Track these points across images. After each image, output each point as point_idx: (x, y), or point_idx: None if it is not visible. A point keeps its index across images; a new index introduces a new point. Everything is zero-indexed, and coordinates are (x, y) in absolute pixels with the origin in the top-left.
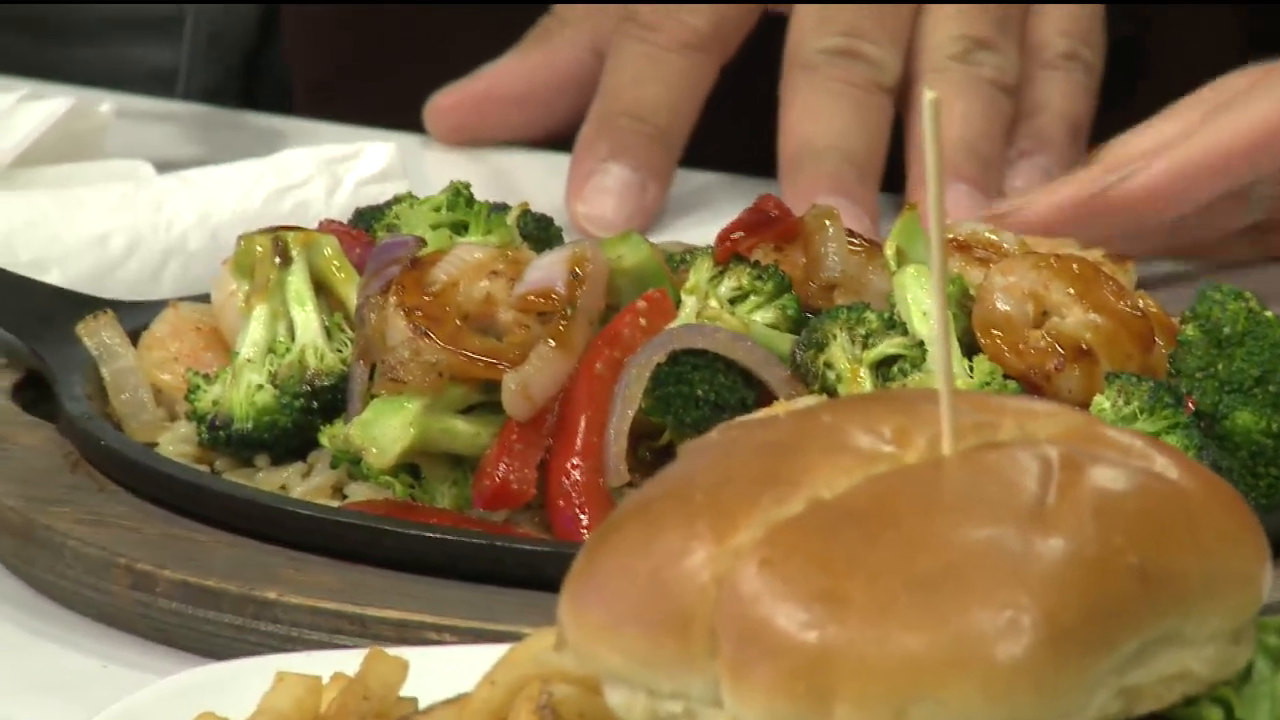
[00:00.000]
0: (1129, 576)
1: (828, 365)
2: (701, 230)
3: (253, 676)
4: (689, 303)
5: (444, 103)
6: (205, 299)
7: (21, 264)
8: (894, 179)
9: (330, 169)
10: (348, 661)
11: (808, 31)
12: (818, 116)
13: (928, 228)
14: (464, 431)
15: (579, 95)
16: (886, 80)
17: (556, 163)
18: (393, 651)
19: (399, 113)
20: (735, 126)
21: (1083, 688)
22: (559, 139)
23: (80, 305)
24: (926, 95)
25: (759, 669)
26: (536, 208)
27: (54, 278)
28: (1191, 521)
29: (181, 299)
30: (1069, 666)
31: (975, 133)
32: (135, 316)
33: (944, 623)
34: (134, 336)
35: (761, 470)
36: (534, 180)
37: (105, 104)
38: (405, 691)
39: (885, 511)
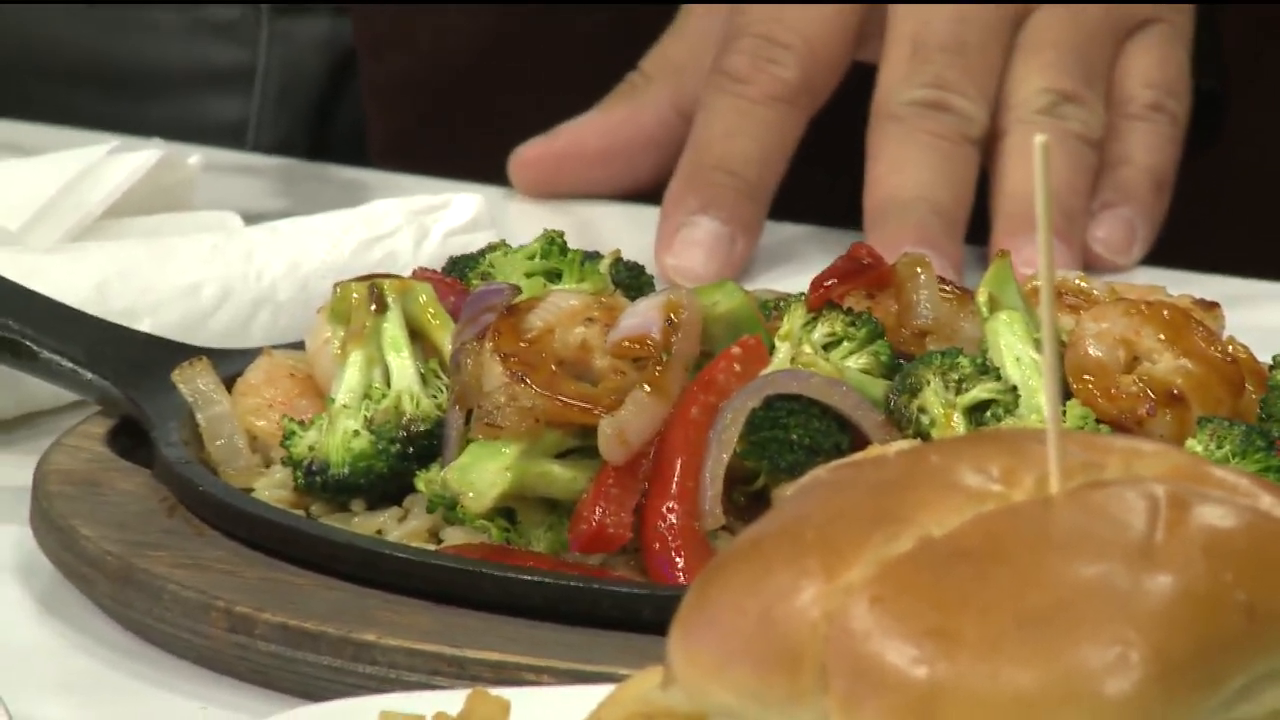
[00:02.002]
0: (1237, 613)
1: (921, 410)
2: (788, 282)
3: (355, 717)
4: (783, 349)
5: (528, 156)
6: (295, 348)
7: (114, 312)
8: (976, 231)
9: (418, 219)
10: (448, 702)
11: (895, 83)
12: (905, 168)
13: (1022, 274)
14: (560, 476)
15: (661, 154)
16: (973, 132)
17: (641, 214)
18: (493, 692)
19: (478, 164)
20: (823, 178)
21: None
22: (640, 196)
23: (174, 352)
24: (1037, 140)
25: (870, 704)
26: (624, 258)
27: (146, 326)
28: None
29: (275, 347)
30: (1177, 702)
31: (1061, 184)
32: (229, 364)
33: (1054, 659)
34: (228, 384)
35: (872, 508)
36: (620, 231)
37: (194, 156)
38: None
39: (995, 549)
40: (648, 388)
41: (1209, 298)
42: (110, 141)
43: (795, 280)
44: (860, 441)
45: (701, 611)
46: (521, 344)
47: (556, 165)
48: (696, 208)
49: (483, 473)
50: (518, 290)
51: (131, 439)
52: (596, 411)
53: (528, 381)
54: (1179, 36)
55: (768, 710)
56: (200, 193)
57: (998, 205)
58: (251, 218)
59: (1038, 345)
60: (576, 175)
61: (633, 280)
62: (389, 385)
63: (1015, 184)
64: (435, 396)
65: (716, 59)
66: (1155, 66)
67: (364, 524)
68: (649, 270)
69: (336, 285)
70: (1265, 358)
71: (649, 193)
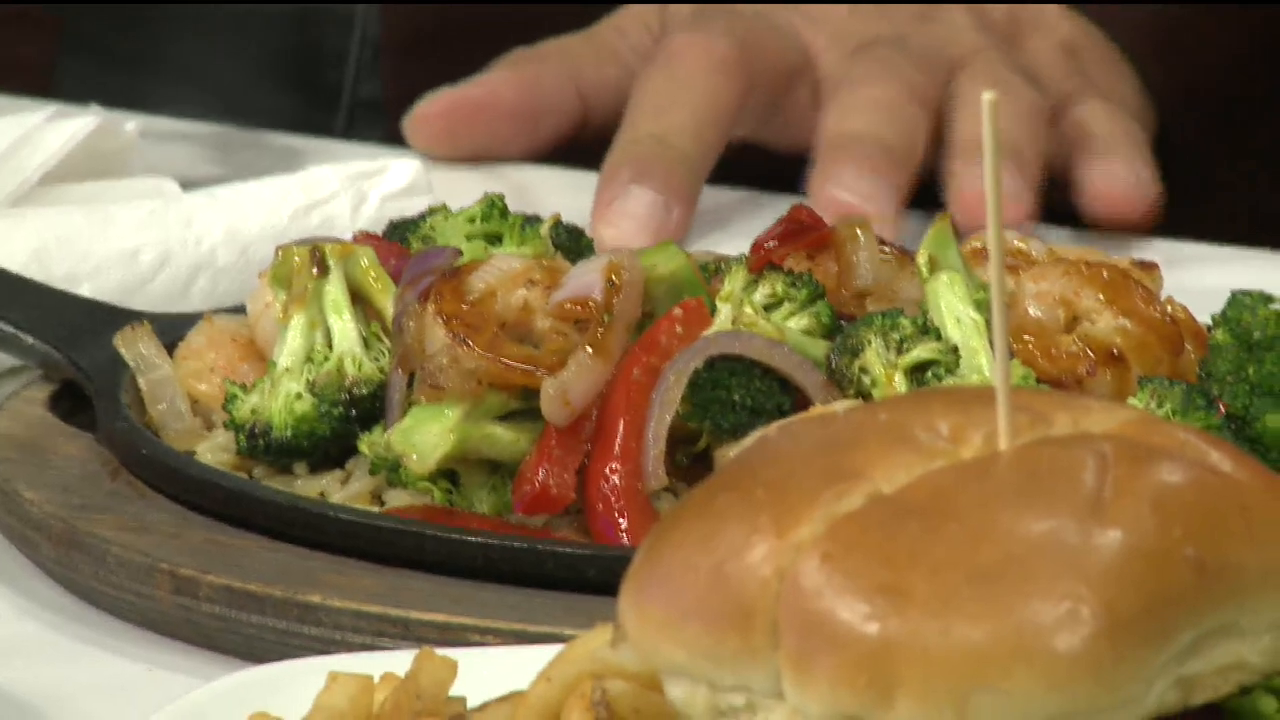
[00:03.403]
0: (1186, 568)
1: (863, 370)
2: (727, 246)
3: (303, 677)
4: (724, 310)
5: (432, 110)
6: (236, 313)
7: (54, 278)
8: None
9: (356, 184)
10: (395, 663)
11: (844, 59)
12: (854, 116)
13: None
14: (503, 438)
15: (560, 122)
16: (924, 93)
17: (577, 179)
18: (440, 653)
19: None
20: (765, 146)
21: (1141, 678)
22: (538, 160)
23: (116, 317)
24: (985, 96)
25: (821, 661)
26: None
27: (85, 292)
28: (1247, 514)
29: (215, 312)
30: (1128, 657)
31: (1010, 130)
32: (170, 329)
33: (1005, 614)
34: (169, 348)
35: (822, 466)
36: (556, 195)
37: (130, 123)
38: (453, 692)
39: (945, 505)
40: (590, 349)
41: (1148, 259)
42: (48, 108)
43: (735, 244)
44: (802, 402)
45: (653, 569)
46: (464, 306)
47: (466, 119)
48: (630, 178)
49: (426, 435)
50: (459, 253)
51: (74, 403)
52: (539, 373)
53: (470, 344)
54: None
55: (720, 667)
56: (137, 159)
57: (948, 151)
58: (189, 184)
59: (978, 306)
60: (484, 130)
61: (573, 244)
62: (331, 348)
63: (963, 129)
64: (378, 359)
65: (654, 47)
66: (1105, 114)
67: (307, 487)
68: (588, 234)
69: (278, 249)
70: (1204, 319)
71: (547, 159)
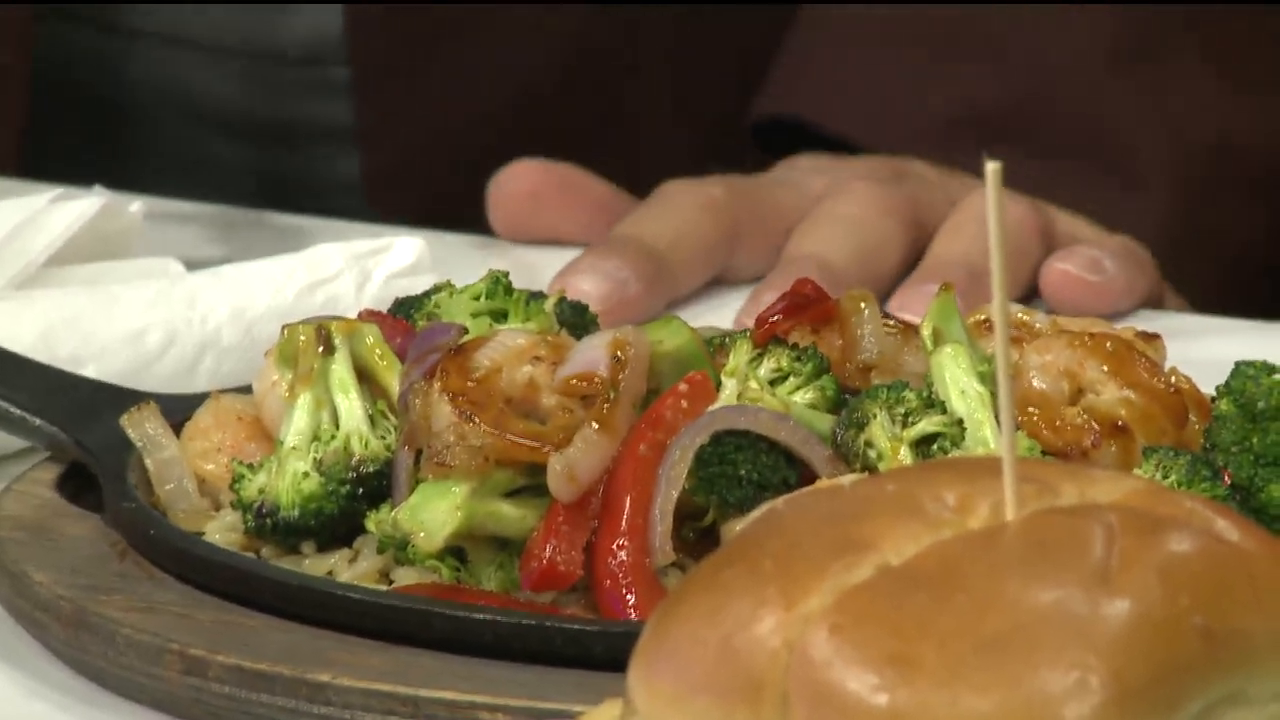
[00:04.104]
0: (1194, 636)
1: (868, 444)
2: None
3: None
4: (729, 385)
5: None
6: (242, 392)
7: (60, 359)
8: None
9: (360, 263)
10: None
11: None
12: (812, 235)
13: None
14: (510, 514)
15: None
16: (899, 208)
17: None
18: None
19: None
20: None
21: None
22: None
23: (122, 398)
24: (989, 166)
25: None
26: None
27: (91, 373)
28: (1254, 582)
29: (221, 391)
30: None
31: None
32: (176, 409)
33: (1014, 684)
34: (175, 428)
35: (829, 537)
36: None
37: (135, 204)
38: None
39: (952, 576)
40: (596, 425)
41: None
42: (52, 190)
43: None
44: (808, 476)
45: (661, 643)
46: (469, 383)
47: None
48: (595, 254)
49: (433, 512)
50: (464, 330)
51: (80, 484)
52: (545, 449)
53: (476, 420)
54: None
55: None
56: (140, 240)
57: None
58: (193, 264)
59: (982, 378)
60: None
61: (577, 319)
62: (337, 427)
63: (940, 247)
64: (384, 437)
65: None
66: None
67: (315, 566)
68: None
69: (284, 328)
70: (1208, 389)
71: None
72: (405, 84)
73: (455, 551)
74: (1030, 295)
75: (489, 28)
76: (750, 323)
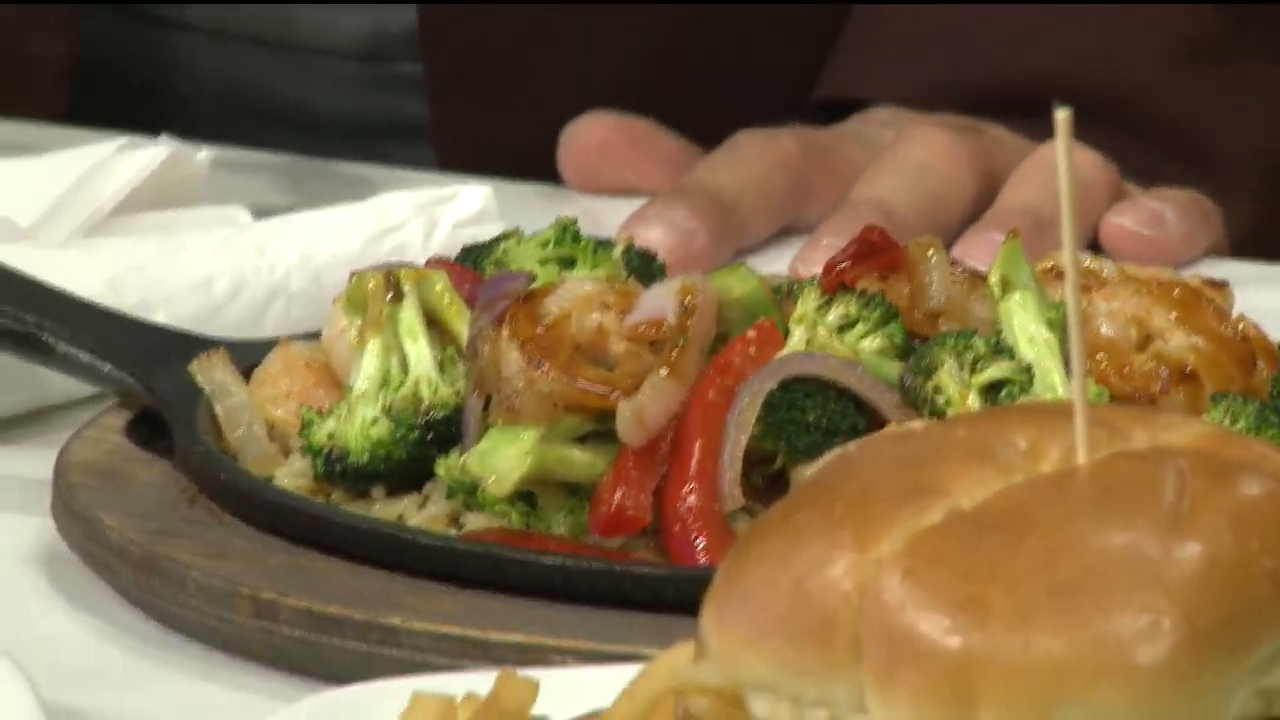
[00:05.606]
0: (1264, 580)
1: (936, 390)
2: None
3: (384, 699)
4: (797, 332)
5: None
6: (310, 338)
7: (128, 306)
8: None
9: (427, 211)
10: (475, 684)
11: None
12: (879, 182)
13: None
14: (579, 460)
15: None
16: (971, 158)
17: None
18: (522, 673)
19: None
20: None
21: (1223, 689)
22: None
23: (191, 344)
24: (1059, 113)
25: (904, 674)
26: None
27: (159, 319)
28: None
29: (290, 337)
30: (1209, 668)
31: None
32: (244, 355)
33: (1086, 627)
34: (244, 374)
35: (901, 481)
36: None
37: (202, 152)
38: (534, 712)
39: (1024, 519)
40: (665, 371)
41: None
42: (117, 139)
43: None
44: (877, 422)
45: (734, 586)
46: (538, 330)
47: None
48: (661, 202)
49: (503, 458)
50: (533, 278)
51: (150, 430)
52: (614, 395)
53: (545, 367)
54: None
55: (803, 681)
56: (207, 189)
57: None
58: (259, 213)
59: (1050, 325)
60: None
61: (645, 267)
62: (406, 373)
63: (1007, 196)
64: (453, 383)
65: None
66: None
67: (384, 510)
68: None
69: (352, 274)
70: (1276, 337)
71: None
72: (477, 80)
73: (525, 497)
74: (1094, 247)
75: (561, 21)
76: (809, 266)
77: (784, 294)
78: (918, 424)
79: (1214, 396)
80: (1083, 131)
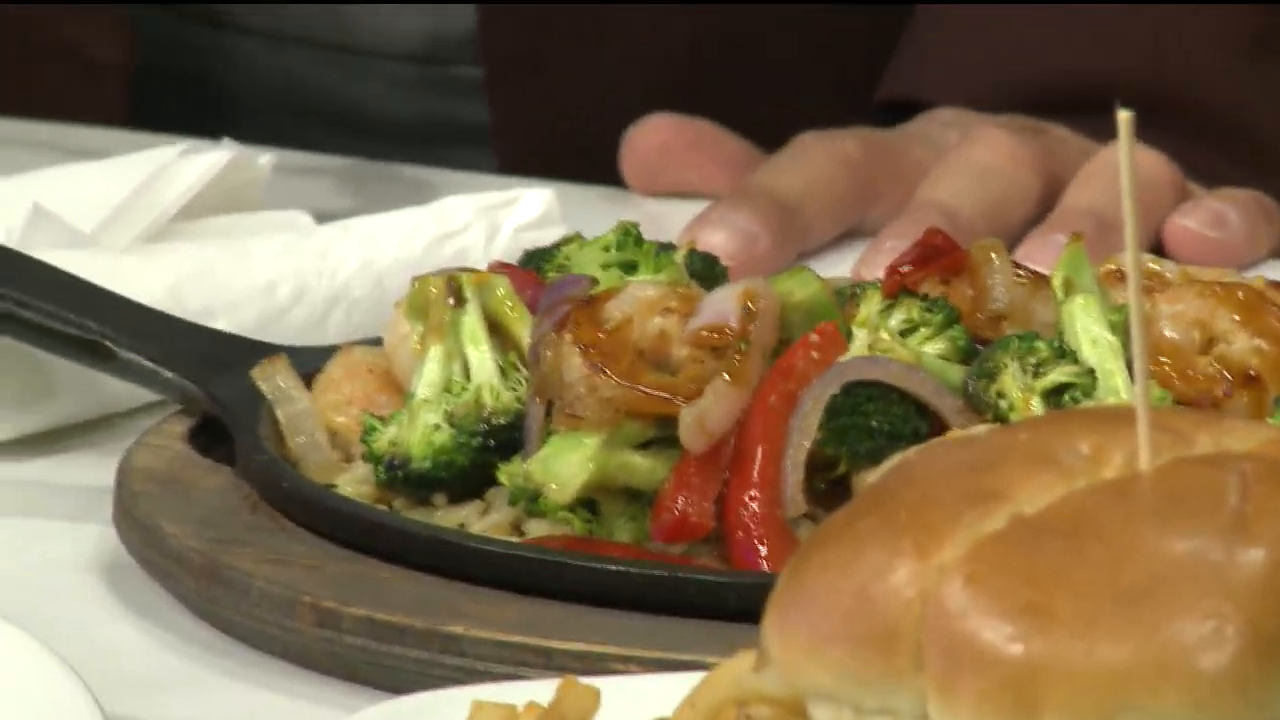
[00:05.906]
0: None
1: (1000, 394)
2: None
3: (446, 708)
4: (860, 335)
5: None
6: (372, 344)
7: (190, 312)
8: None
9: (488, 215)
10: (537, 692)
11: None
12: (945, 183)
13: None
14: (641, 466)
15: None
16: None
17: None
18: (583, 681)
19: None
20: None
21: None
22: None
23: (252, 350)
24: (1121, 114)
25: (966, 682)
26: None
27: (222, 325)
28: None
29: (352, 343)
30: (1272, 674)
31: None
32: (306, 361)
33: (1150, 633)
34: (306, 380)
35: (963, 487)
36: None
37: (265, 157)
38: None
39: (1087, 525)
40: (727, 376)
41: None
42: (179, 143)
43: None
44: (939, 427)
45: (796, 593)
46: (600, 335)
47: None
48: (726, 206)
49: (565, 464)
50: (595, 282)
51: (211, 437)
52: (676, 401)
53: (607, 372)
54: None
55: (865, 690)
56: (269, 193)
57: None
58: (321, 217)
59: (1114, 328)
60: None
61: (707, 271)
62: (468, 379)
63: (1070, 198)
64: (515, 389)
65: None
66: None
67: (446, 518)
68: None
69: (414, 280)
70: None
71: None
72: (537, 81)
73: (587, 503)
74: (1157, 248)
75: (621, 21)
76: (872, 270)
77: (846, 297)
78: (980, 429)
79: (1278, 400)
80: (1143, 130)
